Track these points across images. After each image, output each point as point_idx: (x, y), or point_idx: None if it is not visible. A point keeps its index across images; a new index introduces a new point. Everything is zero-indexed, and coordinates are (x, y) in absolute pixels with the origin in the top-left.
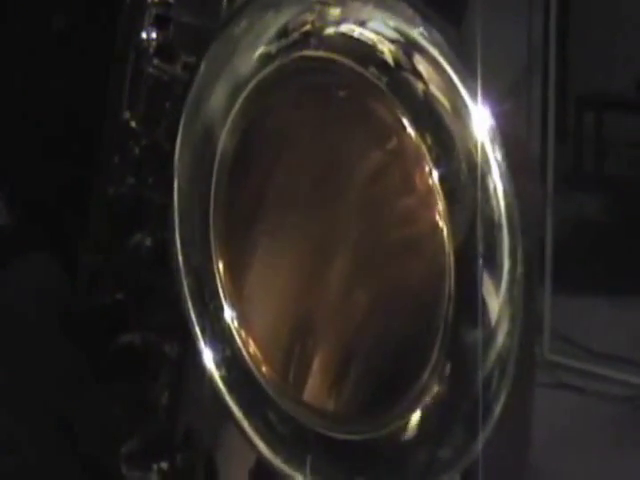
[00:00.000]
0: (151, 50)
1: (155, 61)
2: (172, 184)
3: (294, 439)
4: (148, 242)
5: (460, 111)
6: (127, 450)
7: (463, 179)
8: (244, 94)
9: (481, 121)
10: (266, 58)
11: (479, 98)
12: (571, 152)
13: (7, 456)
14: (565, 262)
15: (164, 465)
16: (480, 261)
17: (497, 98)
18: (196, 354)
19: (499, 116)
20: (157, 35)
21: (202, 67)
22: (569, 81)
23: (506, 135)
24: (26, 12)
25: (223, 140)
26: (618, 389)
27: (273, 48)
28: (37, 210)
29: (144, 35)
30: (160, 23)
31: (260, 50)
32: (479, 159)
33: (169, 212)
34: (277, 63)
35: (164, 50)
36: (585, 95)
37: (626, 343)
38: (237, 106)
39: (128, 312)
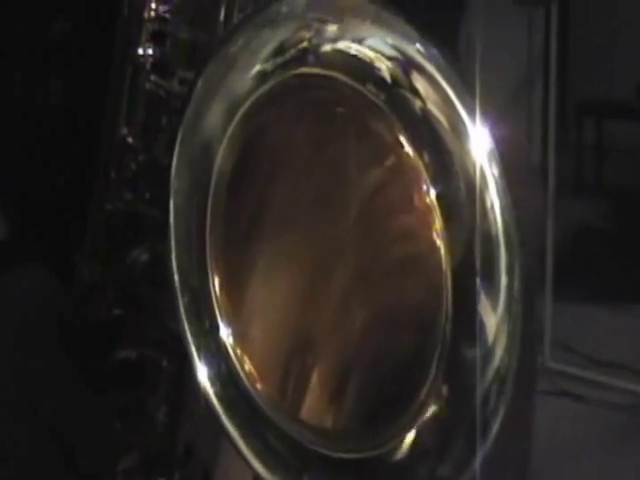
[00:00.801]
0: (148, 66)
1: (152, 77)
2: (168, 201)
3: (291, 458)
4: (145, 257)
5: (458, 128)
6: (125, 466)
7: (460, 196)
8: (241, 112)
9: (479, 139)
10: (262, 76)
11: (477, 116)
12: (572, 159)
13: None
14: (566, 270)
15: None
16: (478, 279)
17: (495, 114)
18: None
19: (497, 133)
20: (154, 51)
21: (199, 85)
22: (569, 88)
23: (504, 150)
24: (25, 21)
25: (220, 157)
26: (619, 397)
27: (269, 66)
28: (34, 223)
29: (141, 51)
30: (157, 39)
31: (256, 68)
32: (477, 177)
33: (166, 229)
34: (273, 81)
35: (161, 66)
36: (585, 102)
37: (627, 351)
38: (234, 124)
39: (125, 327)
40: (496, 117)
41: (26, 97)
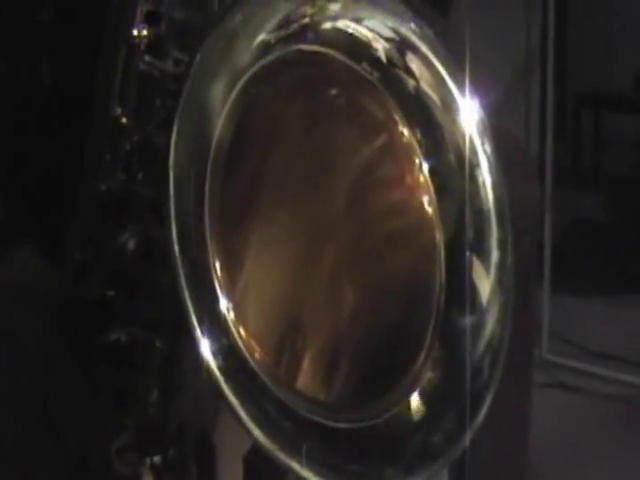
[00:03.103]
0: (142, 46)
1: (146, 57)
2: (167, 176)
3: (288, 426)
4: (137, 237)
5: (450, 106)
6: (118, 445)
7: (453, 172)
8: (240, 84)
9: (469, 114)
10: (265, 47)
11: (467, 91)
12: (569, 150)
13: None
14: (563, 262)
15: (156, 459)
16: (468, 248)
17: (487, 91)
18: (191, 345)
19: (487, 107)
20: (148, 31)
21: (198, 59)
22: (568, 79)
23: (495, 127)
24: (13, 3)
25: (218, 131)
26: (616, 389)
27: (273, 37)
28: (25, 203)
29: (135, 31)
30: (151, 19)
31: (260, 38)
32: (467, 152)
33: (163, 206)
34: (274, 54)
35: (155, 46)
36: (584, 93)
37: (624, 343)
38: (233, 96)
39: (117, 307)
40: (489, 98)
41: (17, 78)
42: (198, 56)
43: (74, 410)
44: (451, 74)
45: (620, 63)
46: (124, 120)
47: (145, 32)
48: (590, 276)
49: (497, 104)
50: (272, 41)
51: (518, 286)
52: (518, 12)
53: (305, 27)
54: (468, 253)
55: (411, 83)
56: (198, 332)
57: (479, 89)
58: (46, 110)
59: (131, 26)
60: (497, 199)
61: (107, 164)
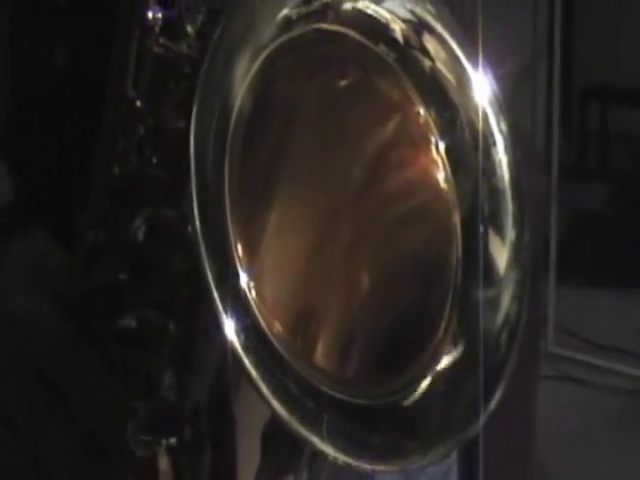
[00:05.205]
0: (157, 29)
1: (161, 40)
2: (188, 154)
3: (309, 402)
4: (151, 221)
5: (464, 85)
6: (134, 426)
7: (468, 151)
8: (261, 57)
9: (484, 90)
10: (287, 22)
11: (480, 68)
12: (576, 145)
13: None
14: (569, 255)
15: (172, 441)
16: (483, 223)
17: (500, 70)
18: (206, 326)
19: (501, 79)
20: (162, 14)
21: (219, 32)
22: (574, 73)
23: (509, 99)
24: None
25: (238, 104)
26: (621, 382)
27: (295, 13)
28: (38, 187)
29: (150, 14)
30: (166, 2)
31: (283, 12)
32: (480, 129)
33: (178, 190)
34: (295, 31)
35: (170, 28)
36: (590, 87)
37: (630, 336)
38: (255, 68)
39: (130, 290)
40: (503, 76)
41: (31, 62)
42: (219, 29)
43: (88, 393)
44: (466, 53)
45: (627, 57)
46: (138, 103)
47: (160, 15)
48: (596, 269)
49: (504, 96)
50: (294, 17)
51: (535, 265)
52: (524, 7)
53: (326, 6)
54: (483, 228)
55: (427, 63)
56: (222, 311)
57: (492, 69)
58: (60, 94)
59: (145, 9)
60: (512, 178)
61: (121, 147)
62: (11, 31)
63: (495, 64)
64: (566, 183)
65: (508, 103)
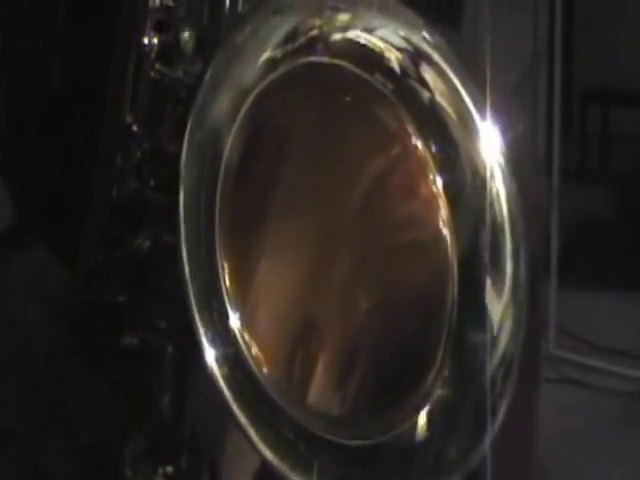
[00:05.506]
0: (153, 54)
1: (157, 65)
2: (177, 187)
3: (300, 444)
4: (150, 243)
5: (464, 118)
6: (131, 453)
7: (467, 185)
8: (249, 100)
9: (485, 129)
10: (271, 64)
11: (485, 109)
12: (577, 147)
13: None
14: (570, 257)
15: (169, 469)
16: (483, 266)
17: (501, 104)
18: (199, 355)
19: (502, 122)
20: (158, 40)
21: (208, 74)
22: (574, 76)
23: (510, 139)
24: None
25: (229, 146)
26: (622, 384)
27: (279, 53)
28: (38, 209)
29: (146, 40)
30: (161, 28)
31: (266, 55)
32: (485, 166)
33: (174, 214)
34: (282, 69)
35: (166, 54)
36: (591, 90)
37: (630, 338)
38: (242, 112)
39: (129, 312)
40: (501, 107)
41: (29, 82)
42: (208, 70)
43: (87, 413)
44: (465, 86)
45: (627, 59)
46: (135, 127)
47: (156, 41)
48: (597, 271)
49: (505, 102)
50: (278, 56)
51: (532, 298)
52: (525, 9)
53: (314, 39)
54: (484, 268)
55: (426, 95)
56: (204, 341)
57: (493, 101)
58: (59, 114)
59: (141, 34)
60: (510, 210)
61: (118, 170)
62: (5, 54)
63: (495, 97)
64: (567, 185)
65: (513, 157)
